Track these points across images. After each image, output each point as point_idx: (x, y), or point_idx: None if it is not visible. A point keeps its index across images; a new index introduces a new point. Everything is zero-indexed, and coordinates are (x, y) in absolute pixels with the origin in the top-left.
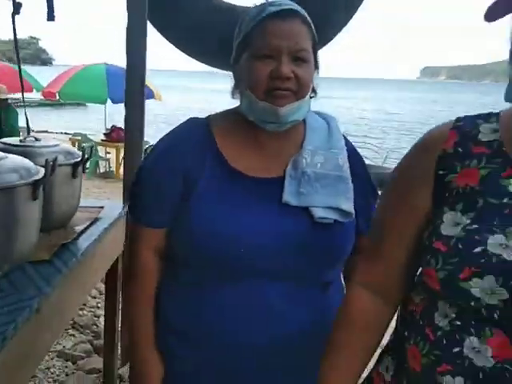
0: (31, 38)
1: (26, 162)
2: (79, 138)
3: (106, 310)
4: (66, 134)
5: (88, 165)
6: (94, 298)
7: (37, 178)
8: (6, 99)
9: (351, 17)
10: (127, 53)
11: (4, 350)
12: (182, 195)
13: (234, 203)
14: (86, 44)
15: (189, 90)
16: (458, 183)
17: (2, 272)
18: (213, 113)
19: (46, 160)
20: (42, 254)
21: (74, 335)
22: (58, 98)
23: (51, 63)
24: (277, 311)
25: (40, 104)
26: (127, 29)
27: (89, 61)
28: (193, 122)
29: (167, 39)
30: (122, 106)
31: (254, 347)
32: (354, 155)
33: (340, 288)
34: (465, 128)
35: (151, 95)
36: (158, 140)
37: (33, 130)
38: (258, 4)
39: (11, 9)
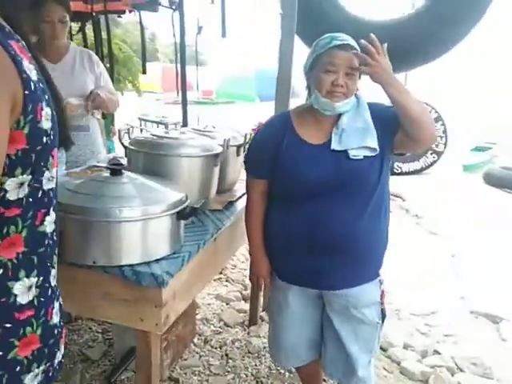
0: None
1: (210, 140)
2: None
3: None
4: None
5: None
6: (243, 262)
7: (218, 151)
8: None
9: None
10: (279, 60)
11: (196, 257)
12: (274, 157)
13: (303, 158)
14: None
15: None
16: None
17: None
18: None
19: (224, 139)
20: (217, 205)
21: (227, 285)
22: (214, 96)
23: (206, 64)
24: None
25: (197, 102)
26: (280, 40)
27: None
28: (280, 113)
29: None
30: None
31: (317, 243)
32: (375, 109)
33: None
34: None
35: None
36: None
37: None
38: (326, 36)
39: (195, 30)
